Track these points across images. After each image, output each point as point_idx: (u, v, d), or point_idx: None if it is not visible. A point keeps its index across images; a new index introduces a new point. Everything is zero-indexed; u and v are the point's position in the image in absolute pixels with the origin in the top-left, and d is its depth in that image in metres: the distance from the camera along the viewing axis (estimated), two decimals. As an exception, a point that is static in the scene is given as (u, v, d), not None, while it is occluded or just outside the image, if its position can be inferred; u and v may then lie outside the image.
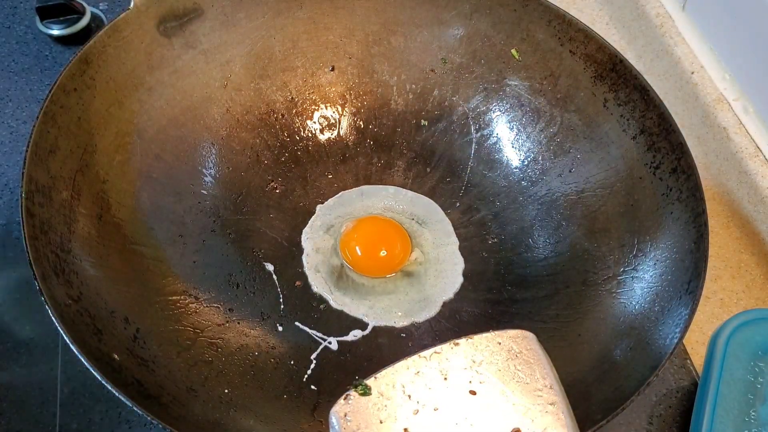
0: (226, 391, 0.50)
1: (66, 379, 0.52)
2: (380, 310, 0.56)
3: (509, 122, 0.62)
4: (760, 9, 0.60)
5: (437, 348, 0.39)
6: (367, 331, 0.55)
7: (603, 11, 0.78)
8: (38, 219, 0.46)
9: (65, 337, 0.42)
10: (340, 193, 0.62)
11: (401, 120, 0.64)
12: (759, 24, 0.61)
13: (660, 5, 0.71)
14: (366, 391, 0.38)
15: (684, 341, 0.56)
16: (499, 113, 0.63)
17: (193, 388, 0.49)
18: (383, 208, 0.61)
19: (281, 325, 0.54)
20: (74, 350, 0.42)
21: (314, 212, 0.60)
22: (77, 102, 0.52)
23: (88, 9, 0.69)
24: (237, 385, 0.51)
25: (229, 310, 0.54)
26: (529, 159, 0.62)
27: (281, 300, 0.56)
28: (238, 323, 0.54)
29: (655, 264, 0.52)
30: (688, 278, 0.49)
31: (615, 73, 0.57)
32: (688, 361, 0.57)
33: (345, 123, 0.64)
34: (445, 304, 0.57)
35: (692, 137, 0.66)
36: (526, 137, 0.62)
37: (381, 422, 0.37)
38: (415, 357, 0.39)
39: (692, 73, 0.67)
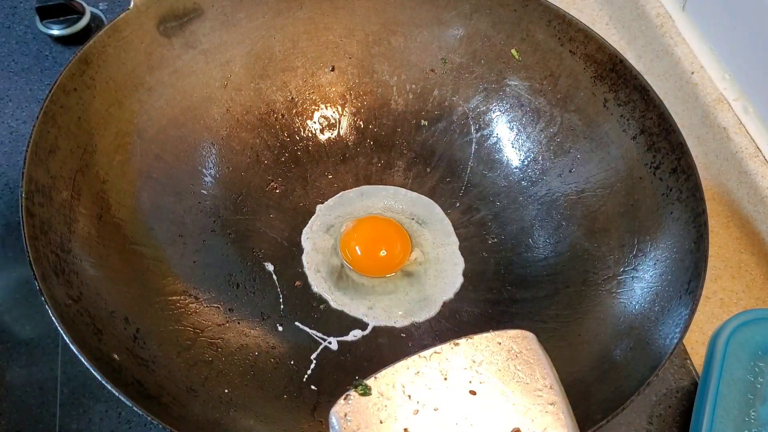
0: (226, 391, 0.50)
1: (66, 379, 0.52)
2: (380, 310, 0.56)
3: (509, 122, 0.62)
4: (760, 9, 0.60)
5: (437, 348, 0.39)
6: (367, 331, 0.55)
7: (603, 11, 0.78)
8: (38, 219, 0.46)
9: (65, 337, 0.42)
10: (340, 193, 0.62)
11: (401, 120, 0.64)
12: (759, 24, 0.61)
13: (660, 5, 0.71)
14: (366, 391, 0.38)
15: (684, 341, 0.56)
16: (499, 113, 0.63)
17: (193, 388, 0.49)
18: (383, 208, 0.61)
19: (281, 325, 0.54)
20: (74, 350, 0.42)
21: (314, 212, 0.60)
22: (77, 102, 0.52)
23: (88, 9, 0.69)
24: (237, 385, 0.51)
25: (229, 310, 0.54)
26: (529, 159, 0.62)
27: (281, 300, 0.56)
28: (238, 323, 0.54)
29: (655, 264, 0.52)
30: (688, 278, 0.49)
31: (615, 73, 0.57)
32: (688, 361, 0.57)
33: (345, 123, 0.64)
34: (445, 304, 0.57)
35: (692, 137, 0.66)
36: (526, 137, 0.62)
37: (381, 422, 0.37)
38: (415, 357, 0.39)
39: (692, 73, 0.67)
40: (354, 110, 0.64)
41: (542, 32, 0.60)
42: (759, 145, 0.62)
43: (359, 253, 0.58)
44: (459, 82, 0.63)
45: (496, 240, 0.60)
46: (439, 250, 0.59)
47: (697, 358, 0.57)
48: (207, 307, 0.54)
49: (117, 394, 0.41)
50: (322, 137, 0.64)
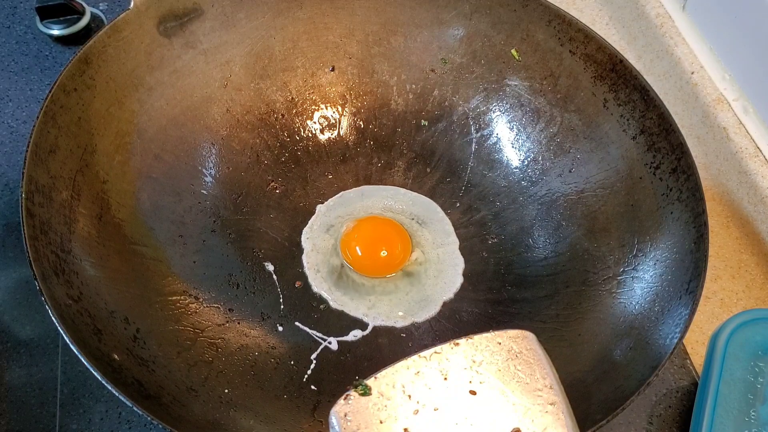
0: (226, 391, 0.50)
1: (66, 379, 0.52)
2: (380, 310, 0.56)
3: (509, 122, 0.62)
4: (760, 9, 0.60)
5: (437, 348, 0.39)
6: (367, 331, 0.55)
7: (603, 11, 0.78)
8: (38, 219, 0.46)
9: (65, 337, 0.42)
10: (340, 193, 0.62)
11: (401, 120, 0.64)
12: (759, 24, 0.61)
13: (660, 5, 0.71)
14: (366, 391, 0.38)
15: (684, 341, 0.56)
16: (499, 113, 0.63)
17: (193, 388, 0.49)
18: (383, 208, 0.61)
19: (281, 325, 0.54)
20: (74, 350, 0.42)
21: (314, 212, 0.60)
22: (77, 102, 0.52)
23: (88, 9, 0.69)
24: (237, 385, 0.51)
25: (229, 310, 0.54)
26: (529, 159, 0.62)
27: (281, 300, 0.56)
28: (238, 323, 0.54)
29: (655, 264, 0.52)
30: (688, 278, 0.49)
31: (615, 74, 0.57)
32: (688, 361, 0.57)
33: (345, 123, 0.64)
34: (445, 304, 0.57)
35: (692, 137, 0.66)
36: (526, 137, 0.62)
37: (381, 422, 0.37)
38: (415, 357, 0.39)
39: (692, 73, 0.67)
40: (354, 110, 0.64)
41: (542, 32, 0.60)
42: (759, 145, 0.62)
43: (360, 253, 0.58)
44: (459, 82, 0.63)
45: (496, 240, 0.60)
46: (439, 250, 0.59)
47: (697, 358, 0.57)
48: (207, 307, 0.54)
49: (117, 395, 0.41)
50: (322, 137, 0.64)
